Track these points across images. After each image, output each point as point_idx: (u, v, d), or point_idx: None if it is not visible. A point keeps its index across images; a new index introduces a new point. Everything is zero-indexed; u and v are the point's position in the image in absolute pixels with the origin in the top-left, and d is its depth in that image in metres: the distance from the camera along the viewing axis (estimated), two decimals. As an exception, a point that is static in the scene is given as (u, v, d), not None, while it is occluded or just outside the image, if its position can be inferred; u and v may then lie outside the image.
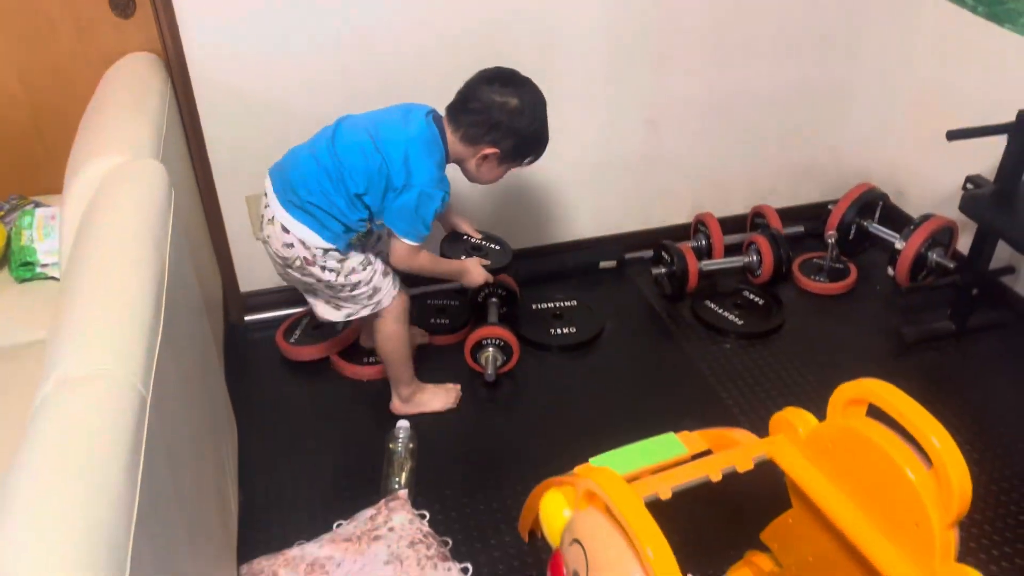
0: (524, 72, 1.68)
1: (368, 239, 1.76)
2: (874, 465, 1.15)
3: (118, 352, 0.96)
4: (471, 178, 1.72)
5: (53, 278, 1.65)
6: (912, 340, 2.14)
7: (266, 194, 1.69)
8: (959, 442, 1.05)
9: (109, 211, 1.25)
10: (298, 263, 1.68)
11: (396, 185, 1.60)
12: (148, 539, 0.84)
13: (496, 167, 1.69)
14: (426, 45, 2.01)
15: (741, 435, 1.38)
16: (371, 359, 2.08)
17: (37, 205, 1.83)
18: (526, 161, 1.71)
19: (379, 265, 1.75)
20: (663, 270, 2.31)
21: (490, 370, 1.99)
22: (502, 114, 1.60)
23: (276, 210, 1.65)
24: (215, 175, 2.04)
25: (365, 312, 1.78)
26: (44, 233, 1.65)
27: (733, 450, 1.31)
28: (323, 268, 1.68)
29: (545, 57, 2.10)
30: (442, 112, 1.67)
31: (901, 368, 2.08)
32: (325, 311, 1.81)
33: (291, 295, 2.25)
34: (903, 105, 2.48)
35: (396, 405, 1.93)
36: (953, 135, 1.90)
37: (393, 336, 1.82)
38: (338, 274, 1.69)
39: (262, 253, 2.17)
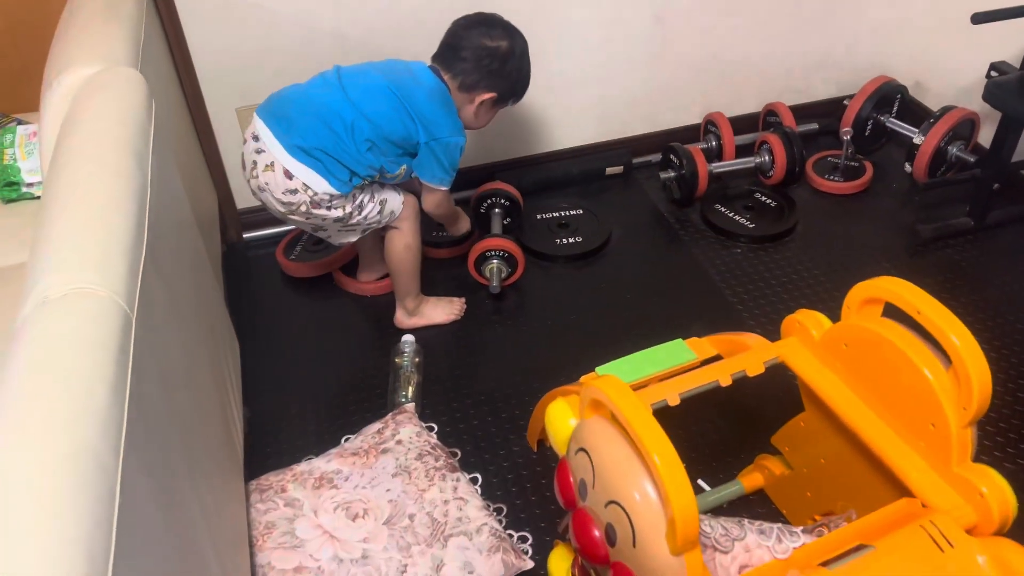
0: None
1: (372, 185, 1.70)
2: (890, 365, 1.11)
3: (100, 269, 0.92)
4: (466, 124, 1.70)
5: (39, 198, 1.60)
6: (928, 237, 2.08)
7: (257, 137, 1.61)
8: (978, 340, 1.01)
9: (85, 124, 1.18)
10: (303, 208, 1.62)
11: (421, 139, 1.62)
12: (139, 458, 0.82)
13: (490, 110, 1.71)
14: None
15: (752, 339, 1.34)
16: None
17: (19, 123, 1.77)
18: (511, 102, 1.73)
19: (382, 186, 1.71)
20: (671, 174, 2.23)
21: (495, 282, 1.95)
22: (495, 59, 1.62)
23: (278, 155, 1.57)
24: (202, 86, 1.96)
25: (380, 225, 1.73)
26: (27, 152, 1.60)
27: (743, 354, 1.28)
28: (329, 208, 1.62)
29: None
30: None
31: (917, 266, 2.03)
32: (340, 238, 1.76)
33: (290, 211, 2.21)
34: (924, -9, 2.35)
35: (400, 318, 1.90)
36: (978, 18, 1.79)
37: (409, 248, 1.78)
38: (344, 209, 1.64)
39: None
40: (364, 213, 1.68)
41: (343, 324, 1.96)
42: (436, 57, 1.67)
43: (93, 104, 1.23)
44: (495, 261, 1.98)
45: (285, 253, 2.11)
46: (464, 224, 1.98)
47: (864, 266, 2.03)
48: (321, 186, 1.58)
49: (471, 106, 1.67)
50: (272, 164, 1.59)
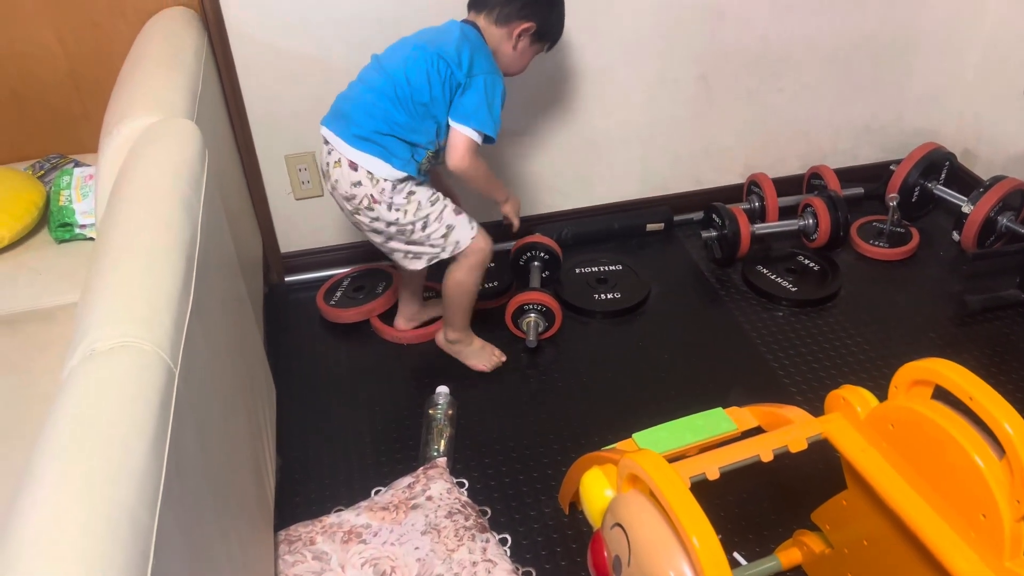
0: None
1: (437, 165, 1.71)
2: (940, 451, 1.08)
3: (145, 322, 0.93)
4: (506, 69, 1.68)
5: (92, 239, 1.63)
6: (976, 308, 2.03)
7: (326, 141, 1.65)
8: None
9: (140, 173, 1.21)
10: (365, 202, 1.63)
11: (459, 79, 1.58)
12: (174, 516, 0.82)
13: (530, 47, 1.68)
14: None
15: (793, 413, 1.31)
16: (427, 294, 2.08)
17: (77, 164, 1.82)
18: (547, 46, 1.72)
19: (449, 202, 1.70)
20: (713, 233, 2.22)
21: (531, 336, 1.94)
22: None
23: (341, 148, 1.61)
24: (254, 134, 2.00)
25: (445, 255, 1.73)
26: (82, 193, 1.64)
27: (786, 429, 1.25)
28: (390, 207, 1.63)
29: (593, 10, 2.00)
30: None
31: (964, 339, 1.98)
32: (405, 261, 1.76)
33: (333, 256, 2.24)
34: (973, 57, 2.33)
35: (440, 339, 1.94)
36: (1032, 91, 1.76)
37: (460, 285, 1.79)
38: (406, 212, 1.65)
39: (303, 213, 2.16)
40: (428, 231, 1.68)
41: (379, 372, 1.96)
42: (469, 5, 1.67)
43: (149, 154, 1.26)
44: (532, 315, 1.97)
45: (325, 298, 2.12)
46: (501, 193, 1.82)
47: (910, 336, 1.99)
48: (384, 170, 1.59)
49: (509, 42, 1.64)
50: (339, 160, 1.62)
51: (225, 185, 1.72)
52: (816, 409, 1.31)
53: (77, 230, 1.62)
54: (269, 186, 2.09)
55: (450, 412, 1.78)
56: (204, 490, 0.99)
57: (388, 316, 2.07)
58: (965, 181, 2.37)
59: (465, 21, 1.66)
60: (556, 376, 1.93)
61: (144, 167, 1.22)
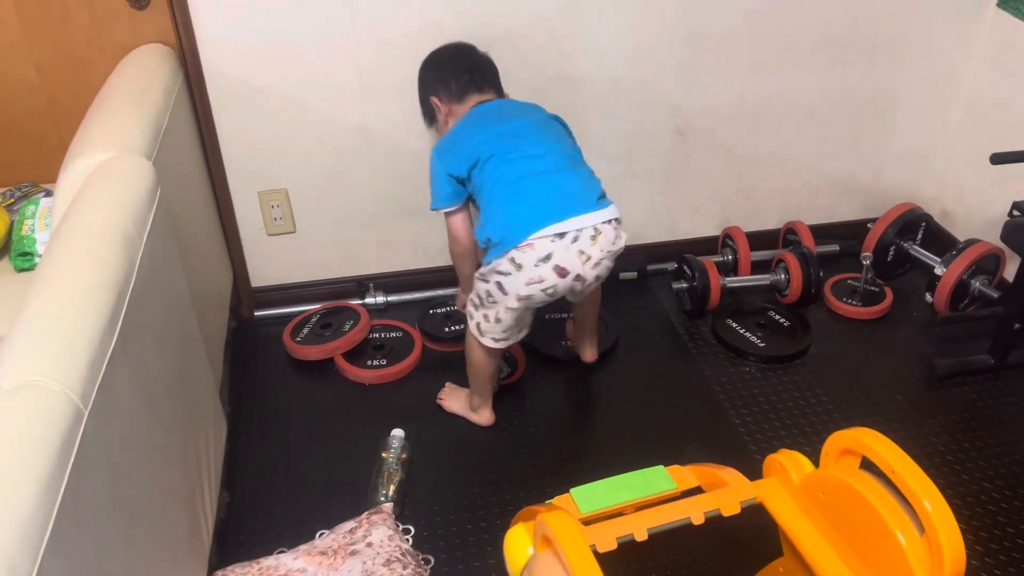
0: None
1: None
2: (866, 522, 1.06)
3: (57, 361, 0.93)
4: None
5: (51, 269, 1.65)
6: (945, 373, 2.01)
7: (562, 234, 1.54)
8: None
9: (83, 209, 1.22)
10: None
11: None
12: (65, 562, 0.81)
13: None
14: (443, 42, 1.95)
15: (731, 475, 1.29)
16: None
17: (47, 194, 1.84)
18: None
19: None
20: (684, 284, 2.21)
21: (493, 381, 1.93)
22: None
23: (594, 218, 1.57)
24: (227, 170, 2.02)
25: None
26: (46, 223, 1.65)
27: (720, 492, 1.23)
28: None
29: (568, 61, 2.02)
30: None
31: (931, 403, 1.95)
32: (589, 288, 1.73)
33: (304, 293, 2.24)
34: (952, 121, 2.34)
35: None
36: (997, 159, 1.77)
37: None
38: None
39: (275, 249, 2.18)
40: None
41: (339, 411, 1.95)
42: (491, 84, 1.77)
43: (96, 190, 1.27)
44: None
45: (292, 334, 2.12)
46: (461, 299, 1.93)
47: (876, 398, 1.97)
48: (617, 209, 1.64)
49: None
50: (595, 231, 1.57)
51: (190, 221, 1.73)
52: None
53: (36, 259, 1.63)
54: (242, 222, 2.11)
55: (403, 456, 1.76)
56: (113, 534, 0.98)
57: (353, 355, 2.07)
58: (942, 242, 2.37)
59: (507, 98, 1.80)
60: (516, 424, 1.91)
61: (88, 204, 1.24)
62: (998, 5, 2.14)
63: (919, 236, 2.34)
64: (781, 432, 1.87)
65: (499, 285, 1.63)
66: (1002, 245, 2.05)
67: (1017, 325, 1.96)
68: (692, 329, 2.21)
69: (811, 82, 2.21)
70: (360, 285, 2.26)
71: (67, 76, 1.86)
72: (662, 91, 2.13)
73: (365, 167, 2.09)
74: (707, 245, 2.41)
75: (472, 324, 1.72)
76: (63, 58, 1.84)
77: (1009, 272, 2.18)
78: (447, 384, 1.96)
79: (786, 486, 1.22)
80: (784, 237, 2.43)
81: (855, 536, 1.09)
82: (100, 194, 1.26)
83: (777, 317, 2.21)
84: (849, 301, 2.25)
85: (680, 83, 2.13)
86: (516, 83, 1.99)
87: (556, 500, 1.33)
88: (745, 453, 1.81)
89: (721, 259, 2.34)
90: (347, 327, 2.12)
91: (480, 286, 1.67)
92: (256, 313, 2.24)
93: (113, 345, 1.03)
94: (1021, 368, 2.03)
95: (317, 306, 2.22)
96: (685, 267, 2.21)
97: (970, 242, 2.15)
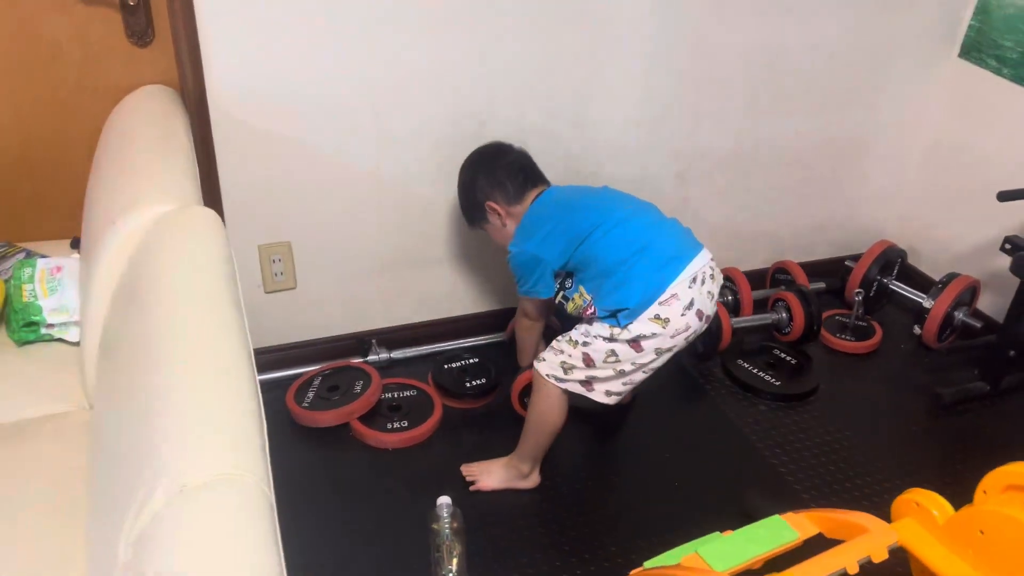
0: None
1: None
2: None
3: (238, 449, 0.78)
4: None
5: (61, 340, 1.42)
6: (950, 401, 2.09)
7: (694, 280, 1.57)
8: None
9: (174, 269, 1.06)
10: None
11: None
12: None
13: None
14: (460, 89, 1.88)
15: (862, 519, 1.27)
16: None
17: (29, 254, 1.60)
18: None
19: None
20: (694, 328, 2.21)
21: None
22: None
23: (708, 256, 1.63)
24: (227, 221, 1.84)
25: None
26: (49, 288, 1.43)
27: (864, 538, 1.20)
28: None
29: (579, 102, 2.00)
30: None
31: (942, 430, 2.03)
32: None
33: (301, 353, 2.08)
34: (916, 163, 2.49)
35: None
36: (1003, 196, 1.88)
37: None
38: None
39: (272, 307, 2.00)
40: None
41: (368, 483, 1.79)
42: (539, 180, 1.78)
43: (176, 247, 1.11)
44: None
45: (296, 399, 1.94)
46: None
47: (893, 430, 2.02)
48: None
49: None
50: (712, 272, 1.62)
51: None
52: (831, 506, 1.28)
53: (43, 330, 1.41)
54: (239, 277, 1.92)
55: (455, 525, 1.63)
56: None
57: (369, 418, 1.91)
58: (913, 277, 2.49)
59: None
60: (558, 483, 1.81)
61: (178, 262, 1.07)
62: (959, 55, 2.31)
63: (895, 272, 2.46)
64: (820, 470, 1.88)
65: (633, 344, 1.58)
66: (978, 276, 2.20)
67: (1013, 353, 2.07)
68: (704, 371, 2.20)
69: (799, 127, 2.29)
70: (362, 342, 2.11)
71: (48, 121, 1.65)
72: (667, 135, 2.14)
73: (374, 217, 1.97)
74: (700, 287, 2.43)
75: (570, 383, 1.65)
76: (46, 101, 1.63)
77: (983, 303, 2.33)
78: (475, 465, 1.81)
79: (928, 527, 1.20)
80: (773, 276, 2.49)
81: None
82: (185, 251, 1.10)
83: (783, 355, 2.24)
84: (843, 336, 2.32)
85: (683, 127, 2.15)
86: (532, 126, 1.95)
87: (684, 560, 1.26)
88: (791, 493, 1.81)
89: (722, 299, 2.35)
90: (358, 388, 1.96)
91: (595, 349, 1.59)
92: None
93: (265, 424, 0.89)
94: (1014, 393, 2.15)
95: (317, 367, 2.05)
96: (694, 310, 2.21)
97: (951, 276, 2.27)
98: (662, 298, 1.53)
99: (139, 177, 1.29)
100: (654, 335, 1.56)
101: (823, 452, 1.94)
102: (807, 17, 2.11)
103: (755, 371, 2.17)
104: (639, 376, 1.64)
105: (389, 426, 1.90)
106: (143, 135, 1.44)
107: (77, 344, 1.41)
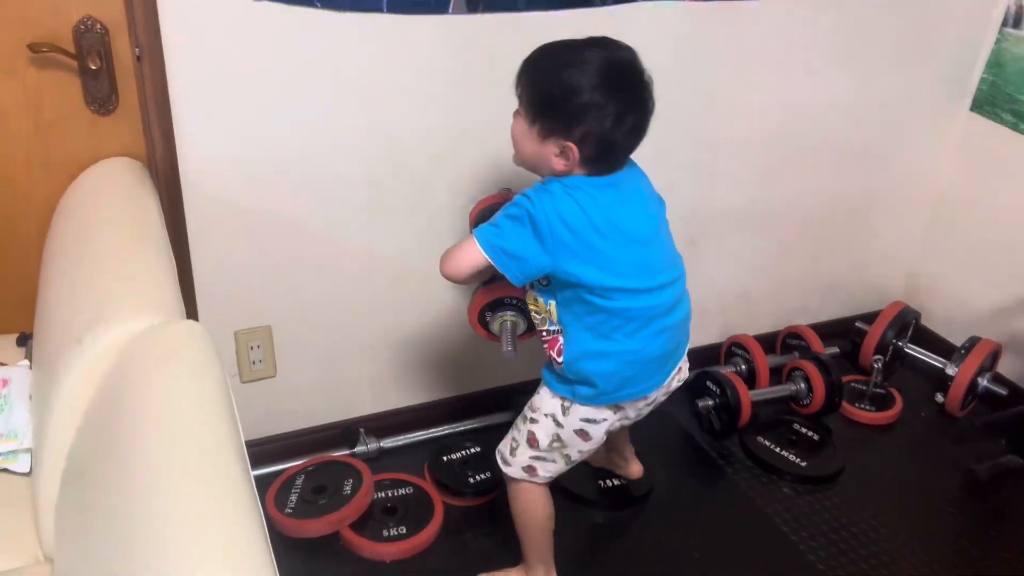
0: None
1: None
2: None
3: None
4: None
5: (5, 470, 1.18)
6: (985, 478, 1.96)
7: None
8: None
9: (161, 410, 0.85)
10: None
11: None
12: None
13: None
14: (463, 157, 1.70)
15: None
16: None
17: (-37, 359, 1.36)
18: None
19: None
20: (710, 402, 2.05)
21: (508, 344, 1.53)
22: None
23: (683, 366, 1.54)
24: (199, 306, 1.62)
25: None
26: (3, 400, 1.19)
27: None
28: None
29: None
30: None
31: (982, 510, 1.91)
32: None
33: (281, 446, 1.85)
34: (925, 219, 2.38)
35: None
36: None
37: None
38: None
39: (250, 398, 1.80)
40: None
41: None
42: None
43: (163, 381, 0.90)
44: (508, 313, 1.55)
45: (277, 504, 1.72)
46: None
47: (931, 513, 1.88)
48: None
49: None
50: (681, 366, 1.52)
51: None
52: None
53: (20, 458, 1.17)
54: (212, 368, 1.70)
55: (473, 656, 1.43)
56: None
57: (361, 524, 1.69)
58: (927, 339, 2.38)
59: None
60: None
61: (162, 404, 0.86)
62: (970, 108, 2.22)
63: (909, 334, 2.34)
64: (862, 565, 1.72)
65: (583, 433, 1.41)
66: (998, 340, 2.09)
67: (1046, 423, 1.96)
68: (722, 450, 2.04)
69: (812, 185, 2.16)
70: (348, 431, 1.89)
71: (-11, 200, 1.42)
72: (681, 198, 1.98)
73: (366, 296, 1.77)
74: (708, 355, 2.27)
75: (514, 468, 1.46)
76: (-11, 177, 1.40)
77: (1003, 367, 2.22)
78: None
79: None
80: (783, 342, 2.35)
81: None
82: (174, 387, 0.89)
83: (803, 430, 2.09)
84: (861, 406, 2.18)
85: (698, 189, 2.01)
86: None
87: None
88: (836, 592, 1.65)
89: (734, 370, 2.20)
90: (347, 488, 1.74)
91: (542, 429, 1.41)
92: (225, 479, 1.80)
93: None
94: (1051, 466, 2.03)
95: (299, 462, 1.82)
96: (710, 383, 2.05)
97: (973, 341, 2.16)
98: (638, 399, 1.42)
99: (107, 280, 1.07)
100: (601, 421, 1.41)
101: (861, 544, 1.78)
102: (825, 74, 1.99)
103: (777, 449, 2.01)
104: (580, 458, 1.48)
105: (385, 533, 1.69)
106: (109, 222, 1.22)
107: (27, 475, 1.18)
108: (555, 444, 1.42)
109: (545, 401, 1.42)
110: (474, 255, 1.28)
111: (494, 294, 1.54)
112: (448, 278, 1.34)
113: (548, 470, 1.46)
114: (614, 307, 1.31)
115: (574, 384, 1.37)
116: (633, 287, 1.31)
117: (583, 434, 1.41)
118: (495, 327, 1.58)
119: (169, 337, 0.96)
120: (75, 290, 1.09)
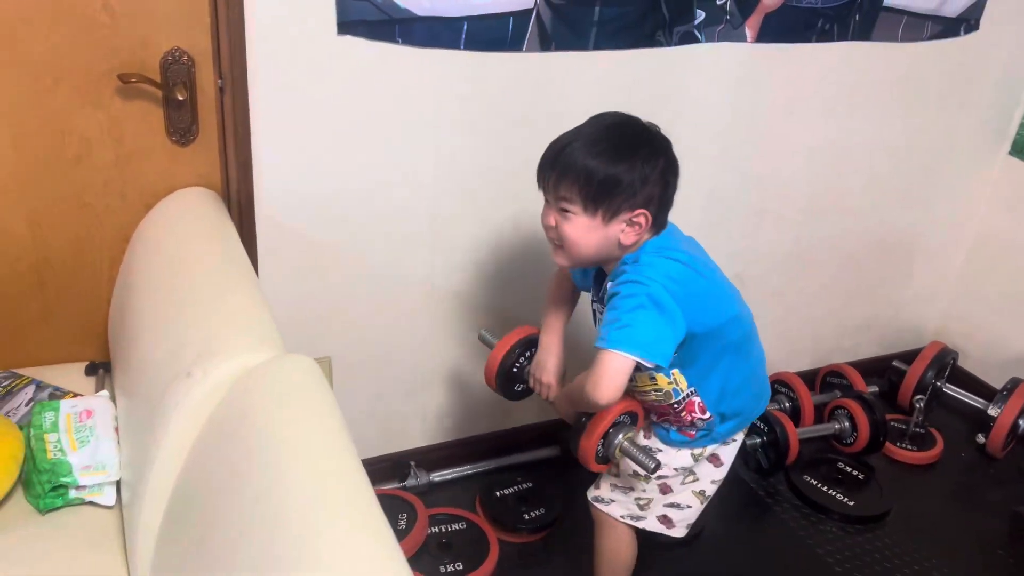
0: None
1: None
2: None
3: None
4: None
5: (91, 503, 1.16)
6: (1032, 521, 1.97)
7: None
8: None
9: (286, 444, 0.85)
10: None
11: None
12: None
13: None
14: (523, 193, 1.71)
15: None
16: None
17: (39, 386, 1.35)
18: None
19: None
20: (757, 440, 2.04)
21: (649, 464, 1.30)
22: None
23: None
24: (263, 338, 1.61)
25: None
26: (78, 439, 1.17)
27: None
28: None
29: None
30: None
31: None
32: None
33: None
34: (962, 260, 2.41)
35: None
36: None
37: None
38: None
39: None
40: None
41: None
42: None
43: (284, 413, 0.90)
44: (620, 434, 1.33)
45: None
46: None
47: (981, 557, 1.89)
48: None
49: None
50: None
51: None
52: None
53: (73, 492, 1.15)
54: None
55: None
56: None
57: (417, 559, 1.68)
58: (964, 380, 2.40)
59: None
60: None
61: (286, 436, 0.86)
62: (1009, 152, 2.26)
63: (947, 374, 2.36)
64: (918, 608, 1.72)
65: (715, 457, 1.45)
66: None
67: (1094, 465, 1.97)
68: (769, 489, 2.03)
69: (855, 225, 2.19)
70: (399, 465, 1.88)
71: (68, 229, 1.41)
72: (727, 236, 2.01)
73: (425, 330, 1.77)
74: (749, 392, 2.28)
75: (642, 520, 1.47)
76: (67, 206, 1.39)
77: (1042, 408, 2.24)
78: None
79: None
80: (823, 380, 2.35)
81: None
82: (296, 420, 0.88)
83: (848, 469, 2.09)
84: (903, 445, 2.19)
85: (744, 228, 2.03)
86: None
87: None
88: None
89: (778, 407, 2.20)
90: (403, 523, 1.72)
91: (674, 480, 1.42)
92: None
93: None
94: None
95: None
96: (757, 421, 2.05)
97: (1015, 382, 2.17)
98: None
99: (209, 314, 1.07)
100: (732, 443, 1.46)
101: (915, 585, 1.78)
102: (873, 116, 2.03)
103: (824, 488, 2.01)
104: (712, 493, 1.50)
105: (442, 569, 1.67)
106: (198, 255, 1.22)
107: (111, 508, 1.16)
108: (688, 480, 1.45)
109: (672, 458, 1.41)
110: (624, 365, 1.20)
111: (598, 428, 1.32)
112: (608, 404, 1.24)
113: (681, 519, 1.48)
114: (735, 336, 1.37)
115: (710, 430, 1.39)
116: (739, 311, 1.39)
117: (715, 459, 1.45)
118: (618, 451, 1.33)
119: (286, 372, 0.95)
120: (174, 323, 1.08)
